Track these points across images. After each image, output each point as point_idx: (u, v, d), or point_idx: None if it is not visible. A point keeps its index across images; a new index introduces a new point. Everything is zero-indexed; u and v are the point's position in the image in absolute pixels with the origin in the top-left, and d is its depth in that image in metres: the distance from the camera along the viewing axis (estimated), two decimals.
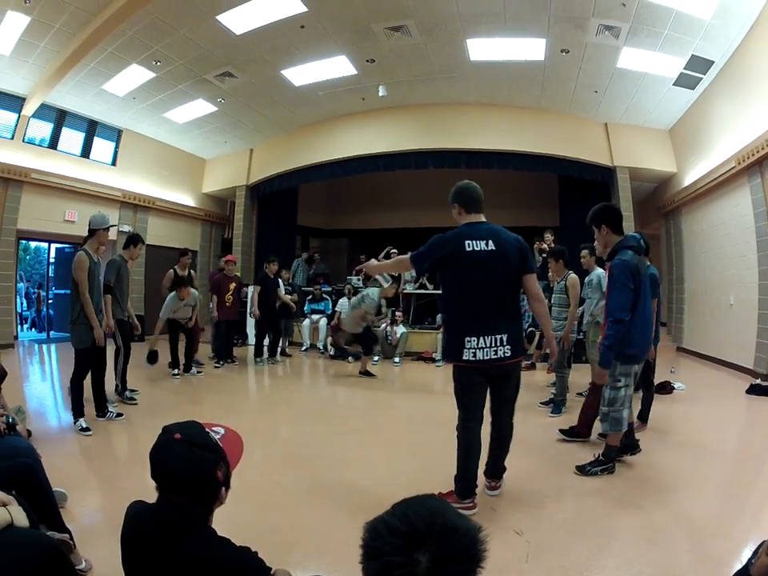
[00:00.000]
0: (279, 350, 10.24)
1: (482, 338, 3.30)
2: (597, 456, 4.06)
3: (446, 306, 3.61)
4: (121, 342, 6.29)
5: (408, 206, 15.93)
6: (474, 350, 3.30)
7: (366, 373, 8.52)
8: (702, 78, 9.23)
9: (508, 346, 3.34)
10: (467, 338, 3.30)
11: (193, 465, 1.51)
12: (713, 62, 8.72)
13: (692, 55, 8.53)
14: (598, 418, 4.23)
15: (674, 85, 9.51)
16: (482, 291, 3.31)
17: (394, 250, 12.30)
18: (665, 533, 3.11)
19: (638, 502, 3.52)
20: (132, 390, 6.55)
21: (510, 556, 2.82)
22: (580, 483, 3.83)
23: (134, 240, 6.60)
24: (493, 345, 3.30)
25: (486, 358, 3.31)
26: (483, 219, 3.55)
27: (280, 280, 10.14)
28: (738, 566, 1.83)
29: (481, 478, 3.55)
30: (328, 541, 3.04)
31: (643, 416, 5.33)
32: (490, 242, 3.37)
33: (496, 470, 3.71)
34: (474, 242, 3.35)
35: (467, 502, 3.39)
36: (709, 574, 2.61)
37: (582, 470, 3.99)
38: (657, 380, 6.74)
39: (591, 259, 6.10)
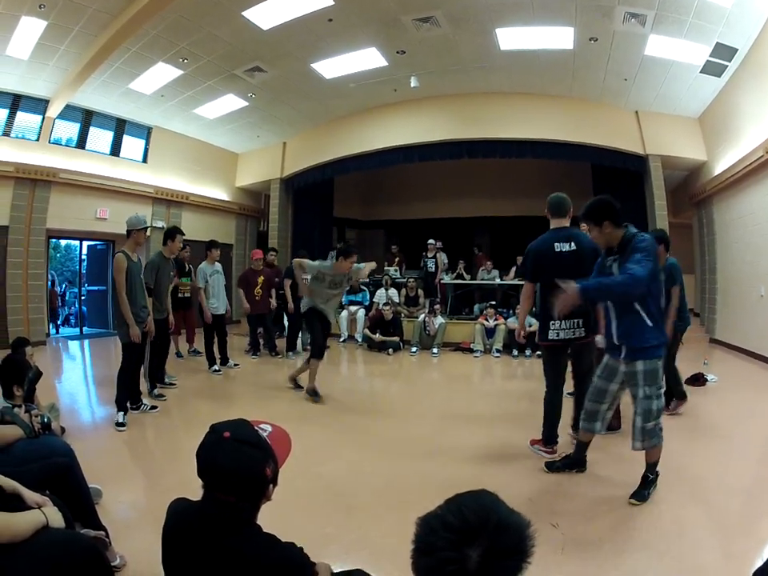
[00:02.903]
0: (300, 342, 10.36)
1: (563, 321, 4.10)
2: (645, 477, 3.51)
3: (541, 295, 4.29)
4: (149, 343, 6.30)
5: (443, 195, 15.96)
6: (557, 331, 4.16)
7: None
8: (727, 66, 9.08)
9: (582, 328, 4.19)
10: (552, 322, 4.13)
11: (243, 463, 1.52)
12: (736, 50, 8.58)
13: (717, 43, 8.40)
14: (637, 438, 3.46)
15: (700, 72, 9.35)
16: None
17: (431, 241, 12.39)
18: (693, 527, 3.12)
19: (669, 496, 3.50)
20: (170, 384, 6.86)
21: (546, 548, 2.80)
22: (613, 476, 3.81)
23: (171, 234, 6.57)
24: (571, 327, 4.15)
25: (566, 337, 4.18)
26: (566, 224, 4.33)
27: None
28: (760, 564, 1.81)
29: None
30: (367, 534, 3.06)
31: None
32: (572, 243, 4.18)
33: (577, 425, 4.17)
34: (561, 243, 4.19)
35: (549, 449, 4.31)
36: (732, 570, 2.60)
37: (642, 497, 3.43)
38: (690, 372, 6.70)
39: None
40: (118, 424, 5.08)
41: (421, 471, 4.07)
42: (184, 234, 6.77)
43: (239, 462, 1.51)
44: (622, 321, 3.44)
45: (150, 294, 6.01)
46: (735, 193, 9.93)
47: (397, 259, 13.06)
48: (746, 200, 9.54)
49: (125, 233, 5.48)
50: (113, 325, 5.55)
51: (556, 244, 4.17)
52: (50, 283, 15.83)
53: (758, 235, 8.94)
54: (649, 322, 3.34)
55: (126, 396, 5.35)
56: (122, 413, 5.19)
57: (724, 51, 8.62)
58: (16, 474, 2.25)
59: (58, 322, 14.97)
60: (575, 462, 3.97)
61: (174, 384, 6.66)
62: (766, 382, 7.20)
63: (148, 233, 6.26)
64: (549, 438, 4.33)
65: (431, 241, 12.62)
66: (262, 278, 9.22)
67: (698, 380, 6.86)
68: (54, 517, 2.04)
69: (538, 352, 9.31)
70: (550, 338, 4.21)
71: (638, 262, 3.21)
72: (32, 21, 7.88)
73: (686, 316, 5.62)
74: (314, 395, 6.35)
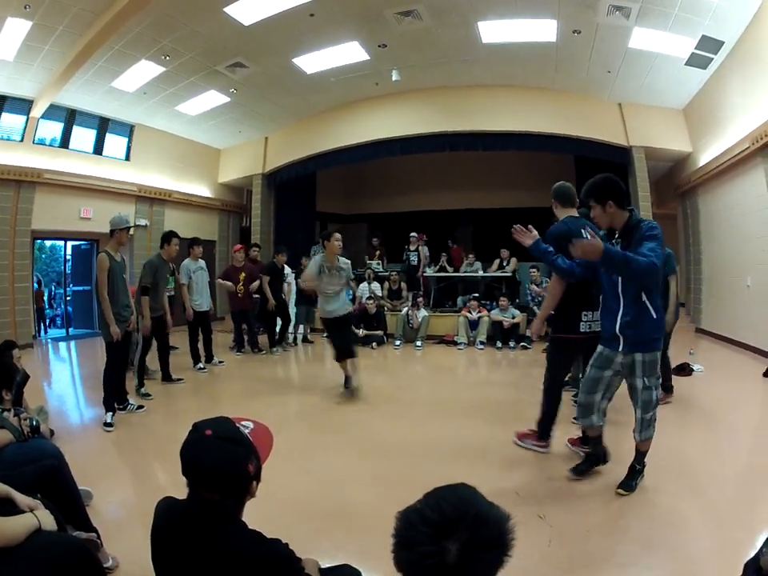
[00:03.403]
0: (300, 336, 10.54)
1: (593, 313, 3.96)
2: (633, 467, 3.53)
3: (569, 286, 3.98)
4: (141, 340, 6.47)
5: (425, 188, 15.96)
6: (589, 323, 3.99)
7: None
8: (713, 58, 9.11)
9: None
10: (584, 313, 4.00)
11: (225, 461, 1.52)
12: (723, 43, 8.61)
13: (702, 35, 8.42)
14: (637, 429, 3.46)
15: (685, 65, 9.37)
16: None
17: (414, 234, 12.37)
18: (686, 517, 3.13)
19: (661, 486, 3.52)
20: (179, 379, 7.17)
21: (533, 540, 2.82)
22: (603, 468, 3.80)
23: (167, 238, 6.71)
24: (598, 319, 3.83)
25: (597, 329, 3.85)
26: (577, 214, 4.24)
27: (287, 268, 10.18)
28: (753, 554, 1.83)
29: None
30: (355, 529, 3.07)
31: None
32: (588, 229, 3.96)
33: None
34: (583, 230, 3.93)
35: (543, 443, 4.26)
36: (727, 559, 2.59)
37: (629, 487, 3.44)
38: (676, 362, 6.75)
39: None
40: (106, 424, 5.07)
41: (406, 465, 4.08)
42: (180, 238, 6.84)
43: (221, 460, 1.52)
44: (628, 311, 3.30)
45: (146, 293, 6.19)
46: (721, 184, 9.99)
47: (378, 252, 13.05)
48: (731, 191, 9.60)
49: (108, 232, 5.47)
50: (98, 325, 5.60)
51: (582, 230, 3.92)
52: (35, 284, 15.72)
53: (744, 226, 9.00)
54: (654, 314, 3.28)
55: (113, 396, 5.35)
56: (110, 413, 5.18)
57: (710, 44, 8.65)
58: (7, 477, 2.25)
59: (46, 323, 14.87)
60: (598, 458, 3.80)
61: (150, 395, 6.42)
62: (753, 371, 7.23)
63: (131, 232, 6.27)
64: (545, 432, 4.26)
65: (413, 234, 12.61)
66: (244, 274, 9.15)
67: (684, 370, 6.93)
68: (47, 520, 2.05)
69: (522, 343, 9.44)
70: (581, 330, 4.00)
71: (653, 251, 3.07)
72: (18, 22, 7.81)
73: (677, 308, 5.70)
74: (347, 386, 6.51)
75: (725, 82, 9.29)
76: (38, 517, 2.01)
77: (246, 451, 1.57)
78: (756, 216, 8.55)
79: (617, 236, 3.37)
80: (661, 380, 3.46)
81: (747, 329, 8.90)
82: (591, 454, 3.81)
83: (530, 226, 3.75)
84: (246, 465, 1.54)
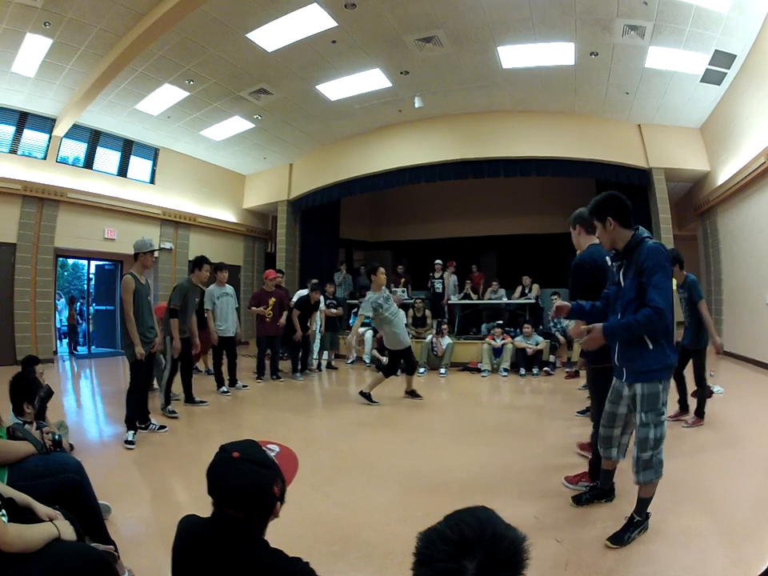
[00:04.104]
0: (325, 362, 10.66)
1: None
2: (631, 518, 3.15)
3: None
4: (169, 361, 6.51)
5: (449, 215, 16.05)
6: None
7: (412, 393, 7.74)
8: (726, 73, 9.17)
9: None
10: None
11: (252, 482, 1.56)
12: (735, 56, 8.67)
13: (715, 50, 8.49)
14: (633, 469, 3.13)
15: (701, 81, 9.44)
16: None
17: (438, 261, 12.58)
18: (700, 537, 3.11)
19: (674, 507, 3.49)
20: (202, 402, 7.17)
21: (551, 563, 2.83)
22: (618, 490, 3.74)
23: (198, 264, 6.86)
24: None
25: None
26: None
27: (322, 297, 10.28)
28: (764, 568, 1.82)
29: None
30: (373, 551, 3.06)
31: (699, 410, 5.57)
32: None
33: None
34: (608, 258, 3.67)
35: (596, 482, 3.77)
36: None
37: (620, 541, 3.04)
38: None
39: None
40: (127, 442, 5.11)
41: (427, 490, 4.07)
42: (211, 264, 7.00)
43: (248, 481, 1.55)
44: (621, 343, 3.16)
45: (175, 315, 6.29)
46: (738, 201, 9.96)
47: (403, 280, 13.07)
48: (749, 208, 9.56)
49: (132, 254, 5.59)
50: (120, 344, 5.73)
51: (607, 259, 3.71)
52: (65, 300, 15.85)
53: (762, 242, 8.96)
54: (650, 345, 3.01)
55: (135, 415, 5.39)
56: (132, 431, 5.23)
57: (723, 58, 8.70)
58: (28, 488, 2.30)
59: (78, 340, 14.86)
60: (603, 493, 3.64)
61: (176, 413, 6.56)
62: None
63: (156, 255, 6.38)
64: (598, 473, 3.80)
65: (438, 261, 12.70)
66: (274, 299, 9.14)
67: None
68: (66, 530, 2.09)
69: (546, 369, 9.39)
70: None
71: (655, 287, 2.89)
72: (37, 38, 8.03)
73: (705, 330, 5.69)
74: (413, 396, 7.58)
75: (738, 96, 9.33)
76: (58, 526, 2.06)
77: (272, 474, 1.61)
78: None
79: (619, 257, 3.21)
80: (664, 416, 3.09)
81: (766, 347, 8.81)
82: (600, 488, 3.66)
83: (556, 302, 3.48)
84: (271, 486, 1.58)
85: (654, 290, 2.89)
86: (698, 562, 2.82)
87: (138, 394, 5.49)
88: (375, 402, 7.22)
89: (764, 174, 8.62)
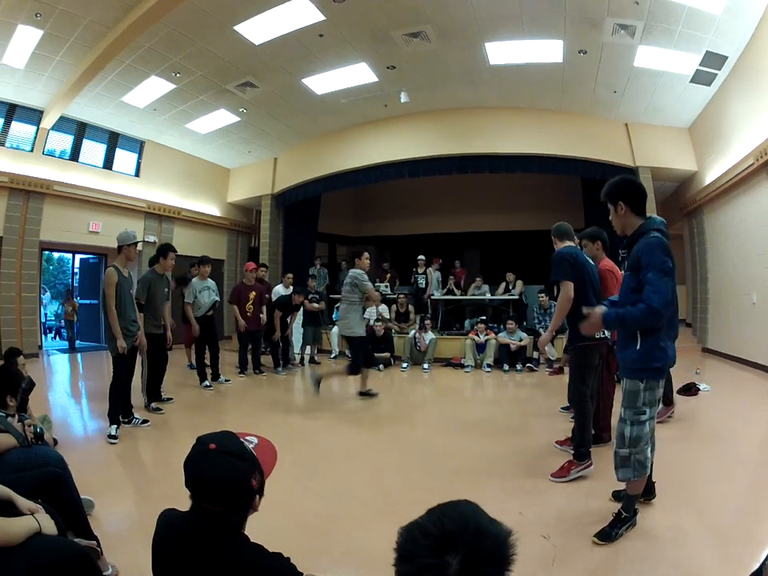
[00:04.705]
0: (307, 357, 10.57)
1: None
2: (618, 514, 3.09)
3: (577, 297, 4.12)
4: (145, 357, 6.37)
5: (433, 211, 16.04)
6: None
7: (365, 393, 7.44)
8: (717, 74, 9.18)
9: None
10: None
11: (229, 474, 1.53)
12: (726, 58, 8.68)
13: (706, 51, 8.49)
14: (614, 464, 3.14)
15: (690, 82, 9.44)
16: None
17: (421, 257, 12.50)
18: (688, 534, 3.10)
19: (662, 504, 3.49)
20: (168, 399, 6.87)
21: (538, 559, 2.82)
22: (605, 486, 3.75)
23: (162, 252, 6.61)
24: None
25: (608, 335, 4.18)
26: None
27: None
28: (756, 567, 1.82)
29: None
30: (357, 546, 3.06)
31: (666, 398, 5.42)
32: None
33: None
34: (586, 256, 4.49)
35: (586, 462, 4.04)
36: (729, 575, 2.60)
37: (607, 537, 3.00)
38: (682, 382, 6.73)
39: (594, 246, 4.94)
40: (110, 436, 5.07)
41: (409, 484, 4.07)
42: (176, 252, 6.77)
43: (225, 474, 1.52)
44: (620, 334, 3.22)
45: (141, 309, 6.05)
46: (726, 202, 10.01)
47: (388, 275, 13.07)
48: (736, 208, 9.61)
49: (116, 247, 5.53)
50: (104, 338, 5.61)
51: (586, 255, 4.49)
52: (50, 295, 15.59)
53: (749, 242, 9.01)
54: (638, 344, 2.95)
55: (118, 409, 5.35)
56: (115, 426, 5.18)
57: (714, 60, 8.71)
58: (9, 481, 2.26)
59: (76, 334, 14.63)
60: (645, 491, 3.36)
61: (162, 410, 6.43)
62: (760, 389, 7.22)
63: (139, 247, 6.28)
64: (586, 452, 4.06)
65: (421, 256, 12.71)
66: (254, 293, 9.07)
67: (690, 390, 6.88)
68: (47, 524, 2.06)
69: (529, 365, 9.42)
70: (596, 336, 3.96)
71: (649, 284, 2.83)
72: (28, 30, 7.94)
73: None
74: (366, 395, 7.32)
75: (729, 98, 9.35)
76: (39, 520, 2.03)
77: (250, 466, 1.58)
78: (760, 232, 8.57)
79: (624, 246, 3.18)
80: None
81: (753, 346, 8.86)
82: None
83: (585, 312, 3.16)
84: (249, 479, 1.55)
85: (647, 288, 2.83)
86: (685, 558, 2.82)
87: (120, 388, 5.45)
88: (376, 394, 7.29)
89: (752, 174, 8.65)
